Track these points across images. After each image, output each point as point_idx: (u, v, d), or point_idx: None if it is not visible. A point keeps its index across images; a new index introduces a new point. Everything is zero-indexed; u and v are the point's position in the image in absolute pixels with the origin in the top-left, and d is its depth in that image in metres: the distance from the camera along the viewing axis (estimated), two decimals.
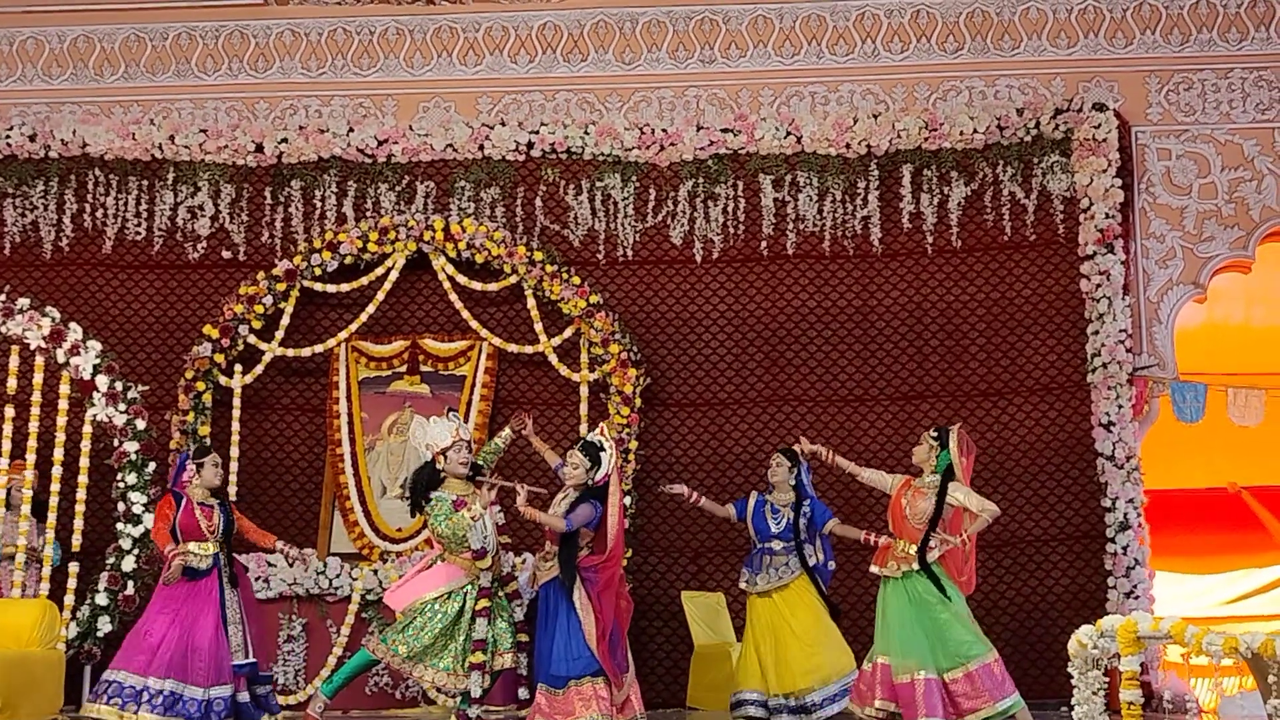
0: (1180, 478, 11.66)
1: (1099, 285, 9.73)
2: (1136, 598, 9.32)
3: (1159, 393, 9.93)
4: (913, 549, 7.57)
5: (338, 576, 9.44)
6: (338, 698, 8.79)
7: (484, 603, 7.65)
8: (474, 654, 7.59)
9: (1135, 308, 9.95)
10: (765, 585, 8.28)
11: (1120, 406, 9.57)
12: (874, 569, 7.79)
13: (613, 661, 7.59)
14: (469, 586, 7.67)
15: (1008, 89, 10.47)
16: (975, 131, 10.17)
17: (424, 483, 7.68)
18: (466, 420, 9.82)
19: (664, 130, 10.40)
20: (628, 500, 9.47)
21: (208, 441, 9.73)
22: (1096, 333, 9.72)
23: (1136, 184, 10.17)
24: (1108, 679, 5.39)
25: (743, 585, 8.46)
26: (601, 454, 7.76)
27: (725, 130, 10.38)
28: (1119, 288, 9.71)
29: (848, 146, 10.29)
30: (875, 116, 10.32)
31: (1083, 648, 5.05)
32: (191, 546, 7.89)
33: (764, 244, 10.31)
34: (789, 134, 10.33)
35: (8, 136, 10.61)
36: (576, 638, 7.54)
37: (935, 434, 7.87)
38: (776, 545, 8.32)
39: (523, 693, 8.01)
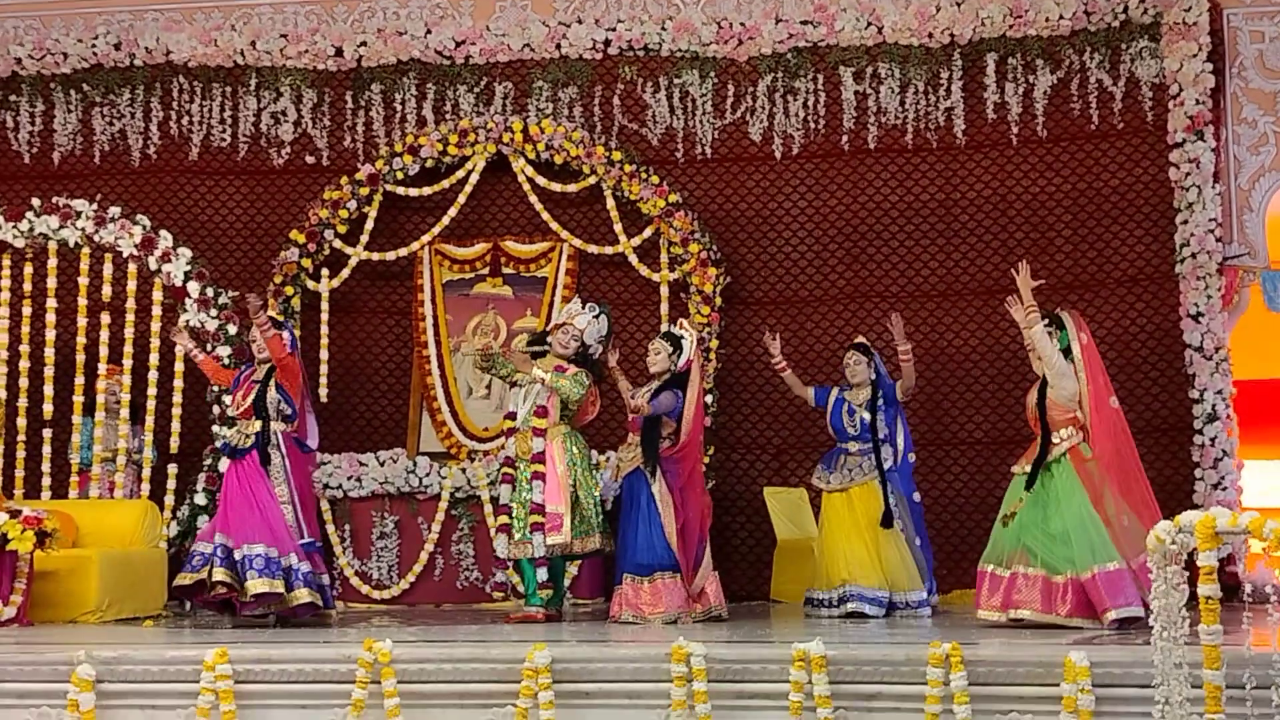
0: (1272, 368, 11.48)
1: (1188, 174, 9.51)
2: (1224, 489, 9.23)
3: (1249, 282, 9.72)
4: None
5: (427, 475, 9.62)
6: (436, 593, 9.34)
7: (506, 470, 8.07)
8: (498, 517, 8.03)
9: (1225, 196, 9.70)
10: (837, 484, 8.34)
11: (1209, 297, 9.39)
12: (1014, 469, 7.56)
13: (689, 557, 7.78)
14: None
15: None
16: (1061, 18, 9.92)
17: (531, 342, 8.29)
18: (547, 322, 9.89)
19: (742, 24, 10.27)
20: (709, 399, 9.54)
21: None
22: (1185, 222, 9.52)
23: (1228, 68, 9.87)
24: (1189, 572, 5.37)
25: (814, 481, 8.55)
26: (683, 340, 7.97)
27: (804, 22, 10.22)
28: (1209, 175, 9.47)
29: (930, 36, 10.11)
30: (958, 4, 10.10)
31: (1161, 543, 5.03)
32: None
33: (845, 138, 10.20)
34: (870, 24, 10.16)
35: (94, 45, 10.74)
36: (656, 529, 7.76)
37: (1048, 321, 7.48)
38: (853, 447, 8.37)
39: None
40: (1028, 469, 7.39)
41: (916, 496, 8.48)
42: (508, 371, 8.19)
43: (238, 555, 7.53)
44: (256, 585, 7.47)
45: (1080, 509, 7.17)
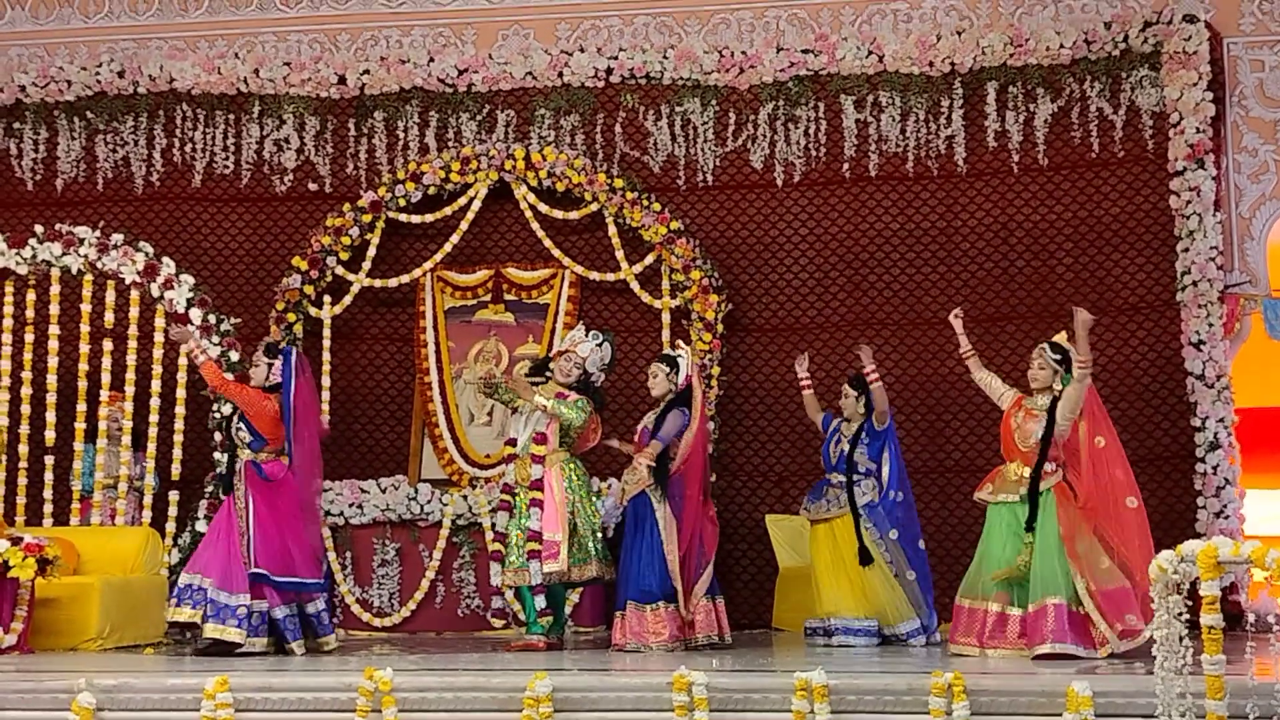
0: (1273, 396, 11.46)
1: (1189, 201, 9.53)
2: (1226, 517, 9.22)
3: (1251, 310, 9.74)
4: (1026, 471, 7.28)
5: (429, 502, 9.62)
6: (437, 620, 9.35)
7: (504, 497, 8.05)
8: (493, 543, 8.09)
9: (1226, 224, 9.74)
10: (816, 514, 8.34)
11: (1211, 325, 9.41)
12: (978, 496, 7.57)
13: (687, 582, 7.78)
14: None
15: (1095, 2, 10.22)
16: (1062, 47, 9.96)
17: (534, 369, 8.29)
18: (550, 348, 9.90)
19: (743, 53, 10.32)
20: (711, 425, 9.53)
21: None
22: (1186, 250, 9.53)
23: (1228, 97, 9.92)
24: (1191, 602, 5.36)
25: (801, 510, 8.56)
26: (679, 359, 8.00)
27: (805, 51, 10.27)
28: (1210, 204, 9.49)
29: (931, 65, 10.15)
30: (959, 33, 10.15)
31: (1163, 572, 5.03)
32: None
33: (846, 166, 10.23)
34: (871, 53, 10.20)
35: (97, 73, 10.78)
36: (658, 555, 7.74)
37: (1057, 355, 7.38)
38: (835, 478, 8.34)
39: None
40: (1000, 498, 7.40)
41: (893, 534, 8.16)
42: (509, 398, 8.20)
43: (183, 583, 7.63)
44: (176, 614, 7.59)
45: (1047, 545, 7.15)
